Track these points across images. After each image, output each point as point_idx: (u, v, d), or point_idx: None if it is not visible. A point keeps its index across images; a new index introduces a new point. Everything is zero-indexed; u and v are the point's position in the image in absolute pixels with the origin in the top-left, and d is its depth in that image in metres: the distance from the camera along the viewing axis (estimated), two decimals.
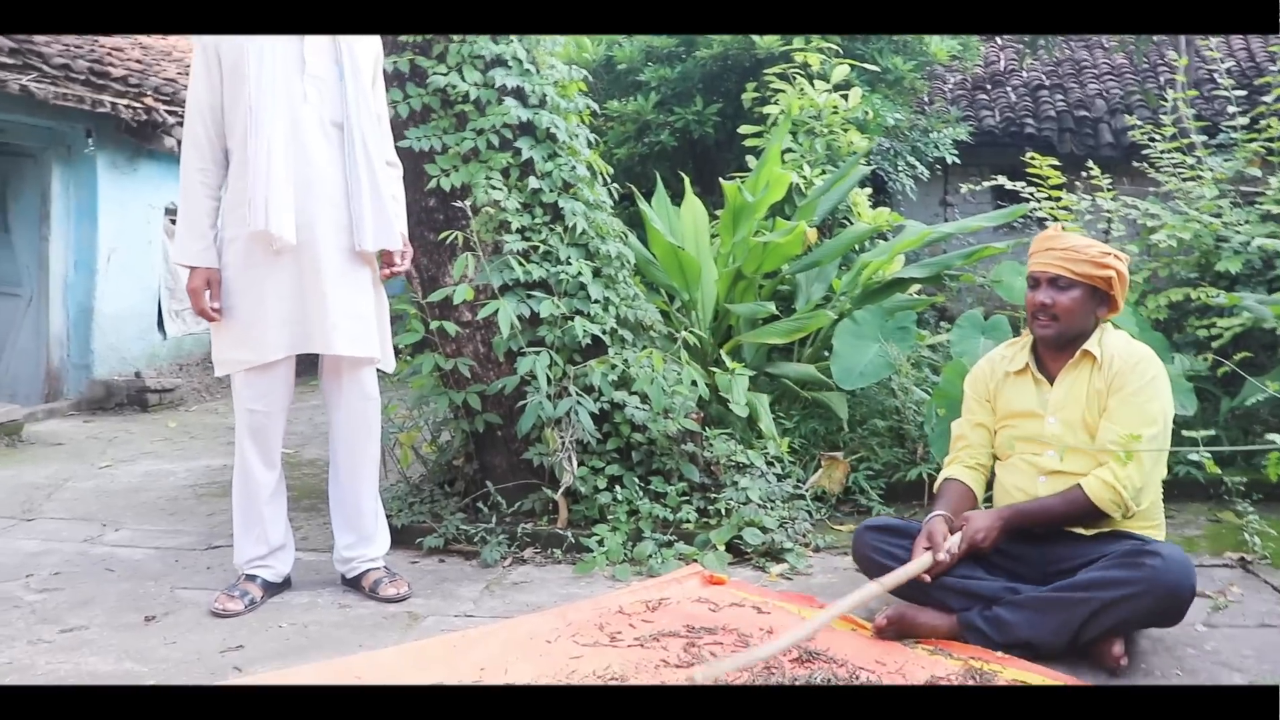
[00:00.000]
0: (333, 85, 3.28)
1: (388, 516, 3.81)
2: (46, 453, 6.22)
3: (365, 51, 3.39)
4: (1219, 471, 2.81)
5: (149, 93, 7.81)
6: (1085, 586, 2.71)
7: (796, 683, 2.54)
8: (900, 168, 7.75)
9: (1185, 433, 2.65)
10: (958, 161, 8.71)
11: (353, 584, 3.51)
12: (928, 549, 2.88)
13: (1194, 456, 3.53)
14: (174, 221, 8.76)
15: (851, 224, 5.69)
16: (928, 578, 2.85)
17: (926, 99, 10.27)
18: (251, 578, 3.40)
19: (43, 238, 7.86)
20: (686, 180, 5.41)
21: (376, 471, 3.55)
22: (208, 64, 3.24)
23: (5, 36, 6.69)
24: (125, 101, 7.51)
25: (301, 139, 3.22)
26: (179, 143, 7.73)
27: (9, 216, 7.96)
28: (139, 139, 7.89)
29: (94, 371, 7.99)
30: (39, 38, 7.22)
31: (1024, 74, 12.42)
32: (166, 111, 7.81)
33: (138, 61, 8.38)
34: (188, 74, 8.65)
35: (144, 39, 9.56)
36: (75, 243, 7.96)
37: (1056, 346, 3.02)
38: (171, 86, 8.09)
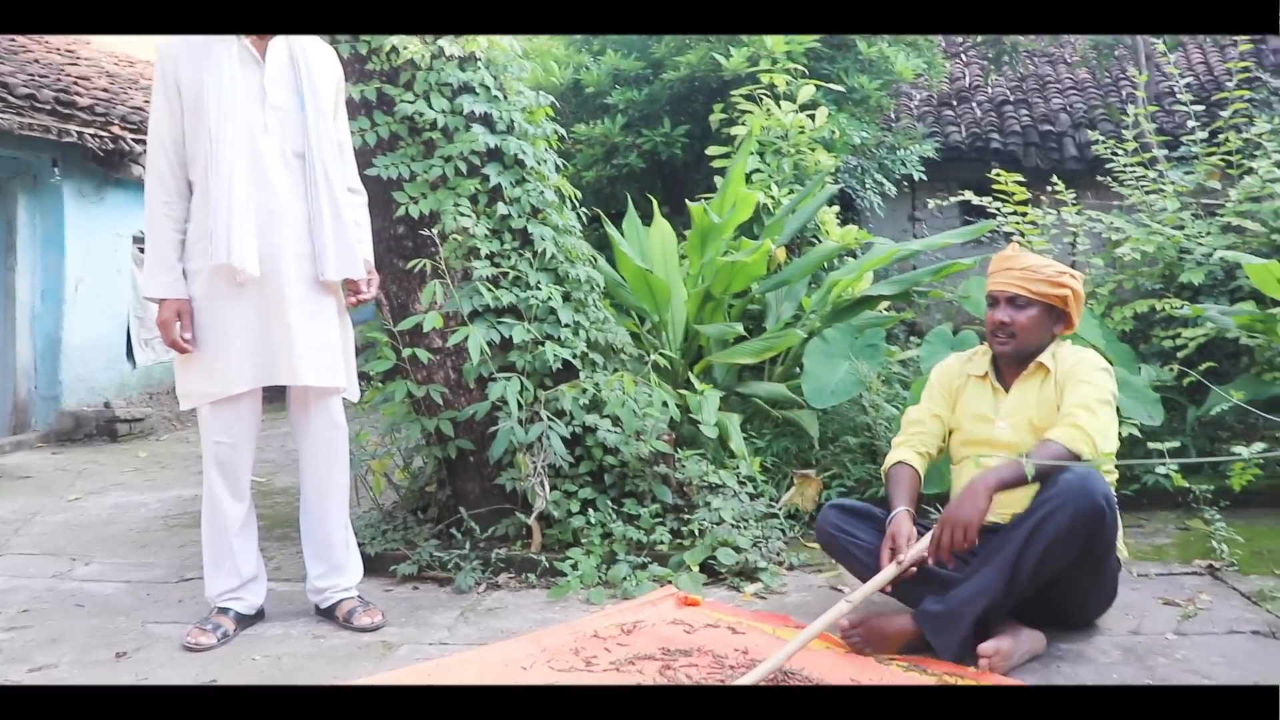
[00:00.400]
0: (293, 115, 3.28)
1: (361, 544, 3.80)
2: (14, 486, 6.16)
3: (326, 80, 3.39)
4: (1186, 484, 2.87)
5: (116, 121, 7.78)
6: (1012, 525, 2.86)
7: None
8: (868, 185, 7.82)
9: (1152, 444, 2.67)
10: (924, 178, 8.78)
11: (327, 614, 3.49)
12: (892, 550, 2.94)
13: (1161, 469, 3.57)
14: (142, 250, 8.75)
15: (820, 242, 5.73)
16: (908, 572, 2.92)
17: (893, 115, 10.36)
18: (224, 610, 3.37)
19: (8, 268, 7.80)
20: (655, 202, 5.43)
21: (346, 501, 3.54)
22: (168, 96, 3.23)
23: None
24: (92, 130, 7.48)
25: (263, 169, 3.22)
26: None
27: None
28: (106, 168, 7.86)
29: (62, 403, 7.92)
30: (4, 68, 7.19)
31: (989, 89, 12.56)
32: (134, 140, 7.78)
33: (104, 90, 8.35)
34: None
35: (110, 67, 9.52)
36: (42, 272, 7.90)
37: (1014, 361, 3.18)
38: (139, 115, 8.06)
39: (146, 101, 8.66)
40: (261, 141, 3.23)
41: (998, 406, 3.18)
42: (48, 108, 7.15)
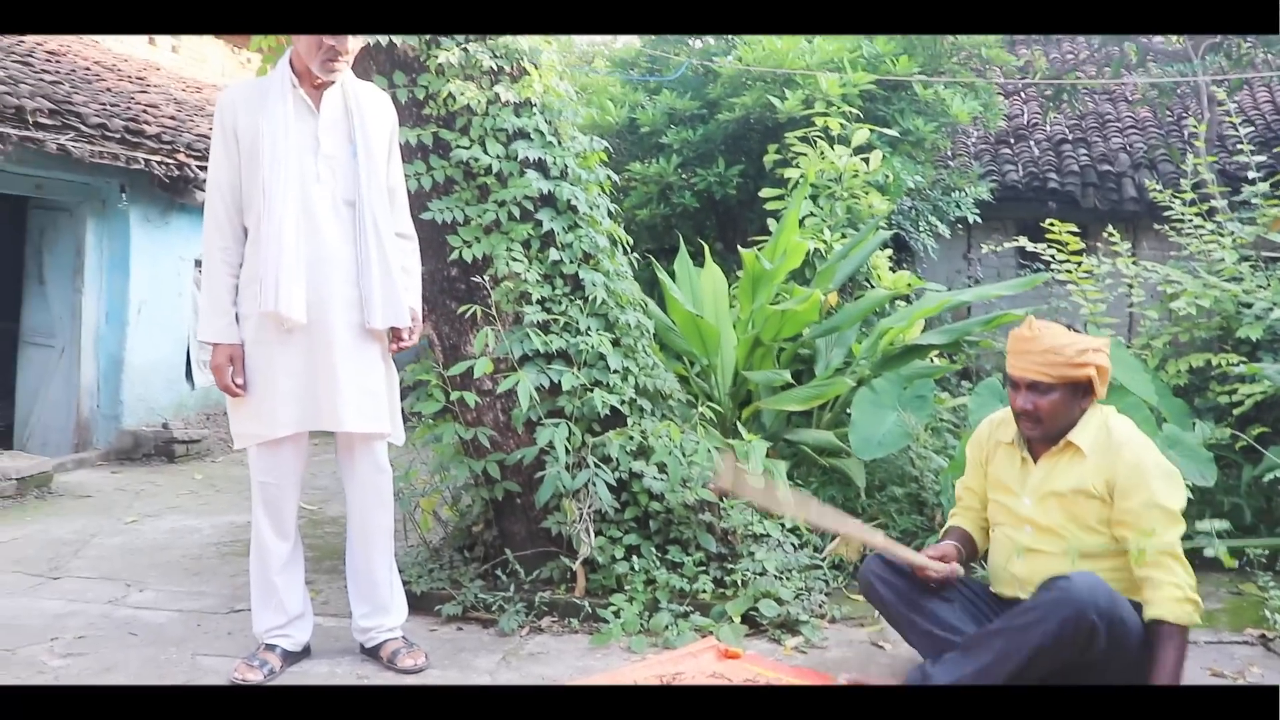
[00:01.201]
0: (345, 164, 3.35)
1: (407, 583, 3.86)
2: (74, 505, 6.30)
3: (379, 127, 3.45)
4: (1235, 563, 2.81)
5: (181, 149, 7.97)
6: (1005, 618, 2.84)
7: None
8: (921, 227, 7.80)
9: (1202, 519, 2.62)
10: (979, 220, 8.73)
11: (371, 653, 3.54)
12: (935, 559, 3.07)
13: (1212, 535, 3.52)
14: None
15: (872, 286, 5.72)
16: (923, 570, 3.05)
17: (949, 154, 10.32)
18: (270, 647, 3.44)
19: (76, 290, 8.00)
20: (706, 246, 5.47)
21: (390, 542, 3.59)
22: (226, 144, 3.32)
23: (45, 99, 6.86)
24: (159, 158, 7.67)
25: (314, 218, 3.30)
26: None
27: (44, 269, 8.11)
28: (171, 193, 8.04)
29: (123, 422, 8.09)
30: (78, 98, 7.40)
31: (1048, 128, 12.45)
32: (198, 167, 7.95)
33: (171, 118, 8.56)
34: None
35: (178, 94, 9.76)
36: (107, 294, 8.09)
37: (1044, 441, 3.05)
38: (203, 143, 8.24)
39: (211, 129, 8.87)
40: (313, 190, 3.31)
41: (1024, 479, 3.08)
42: (117, 136, 7.35)
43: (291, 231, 3.24)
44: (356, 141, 3.37)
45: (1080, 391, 2.96)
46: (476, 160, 4.04)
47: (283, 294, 3.21)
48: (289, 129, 3.29)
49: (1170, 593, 2.74)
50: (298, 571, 3.52)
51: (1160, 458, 2.92)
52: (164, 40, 11.46)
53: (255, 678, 3.30)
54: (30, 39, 8.60)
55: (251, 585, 3.50)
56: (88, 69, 8.78)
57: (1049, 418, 2.96)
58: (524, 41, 4.16)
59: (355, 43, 3.32)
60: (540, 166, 4.16)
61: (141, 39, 11.00)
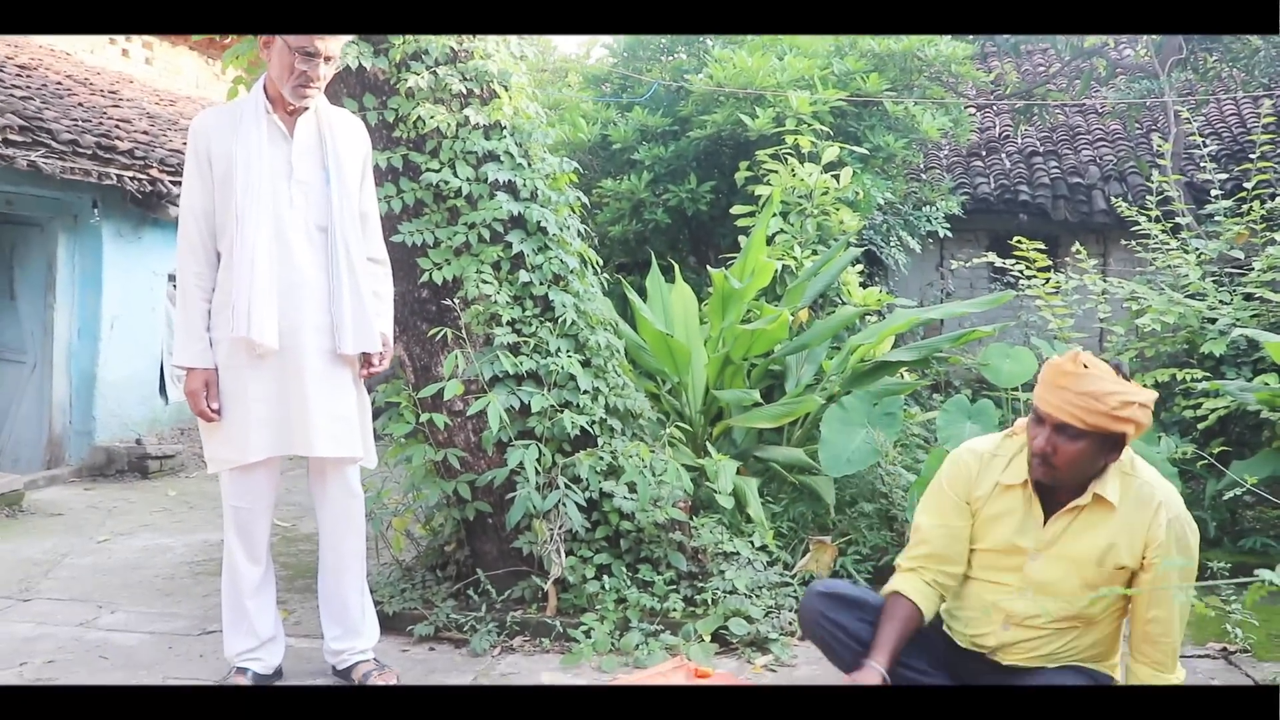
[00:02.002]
0: (319, 190, 3.36)
1: (379, 603, 3.88)
2: (46, 524, 6.27)
3: (352, 154, 3.47)
4: (1208, 611, 2.79)
5: (154, 164, 7.96)
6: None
7: None
8: (892, 242, 7.87)
9: None
10: (949, 235, 8.81)
11: (343, 675, 3.55)
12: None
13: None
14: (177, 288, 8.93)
15: (843, 303, 5.78)
16: None
17: (921, 167, 10.41)
18: (242, 670, 3.44)
19: (48, 305, 7.97)
20: (677, 266, 5.50)
21: (362, 566, 3.60)
22: (200, 168, 3.33)
23: (15, 115, 6.84)
24: (131, 173, 7.66)
25: (287, 244, 3.30)
26: None
27: (15, 284, 8.08)
28: (144, 208, 8.03)
29: (96, 438, 8.07)
30: (49, 114, 7.38)
31: (1019, 140, 12.57)
32: (171, 182, 7.95)
33: (144, 133, 8.54)
34: None
35: (151, 108, 9.74)
36: (80, 310, 8.07)
37: (1058, 489, 2.62)
38: (176, 158, 8.24)
39: (184, 144, 8.85)
40: (286, 216, 3.31)
41: (1035, 534, 2.61)
42: (89, 152, 7.33)
43: (264, 257, 3.25)
44: (329, 168, 3.38)
45: (1110, 445, 2.51)
46: (447, 183, 4.06)
47: (255, 320, 3.22)
48: (262, 154, 3.29)
49: (1169, 678, 2.55)
50: (269, 594, 3.52)
51: (1191, 525, 2.57)
52: (137, 52, 11.44)
53: None
54: (0, 53, 8.57)
55: (223, 608, 3.50)
56: (59, 83, 8.75)
57: (1066, 466, 2.52)
58: (493, 64, 4.19)
59: (328, 69, 3.34)
60: (510, 189, 4.19)
61: (115, 51, 10.97)
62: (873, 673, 2.57)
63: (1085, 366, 2.48)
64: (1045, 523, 2.61)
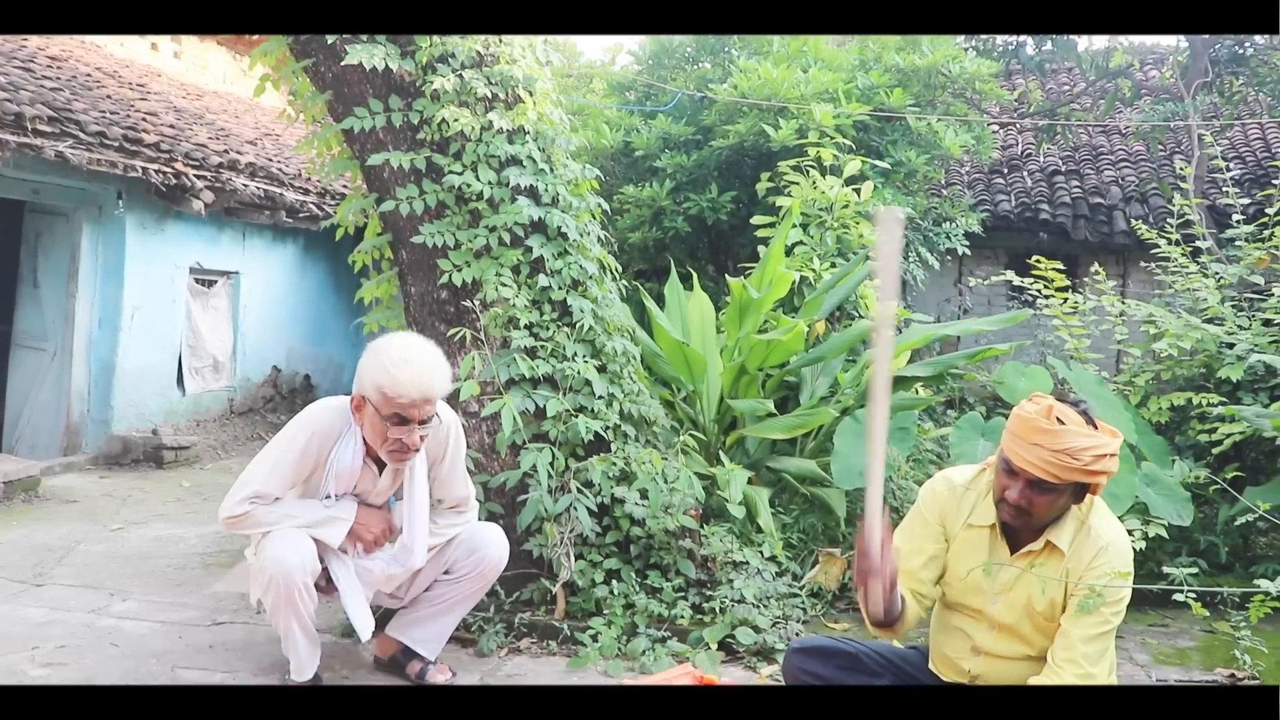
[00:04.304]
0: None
1: None
2: (61, 510, 6.32)
3: (425, 479, 3.43)
4: (1205, 613, 2.81)
5: (179, 158, 8.01)
6: None
7: None
8: (911, 258, 7.86)
9: (1174, 562, 2.57)
10: (969, 252, 8.80)
11: (391, 664, 3.58)
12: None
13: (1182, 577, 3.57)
14: (198, 280, 8.99)
15: (860, 317, 5.78)
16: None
17: (942, 183, 10.40)
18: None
19: (70, 294, 8.03)
20: (695, 275, 5.52)
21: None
22: (302, 460, 3.31)
23: (45, 105, 6.91)
24: (156, 166, 7.71)
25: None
26: (206, 205, 7.96)
27: (38, 273, 8.14)
28: (168, 201, 8.08)
29: (112, 427, 8.12)
30: (78, 105, 7.44)
31: (1041, 159, 12.54)
32: (195, 175, 8.01)
33: (170, 126, 8.61)
34: (218, 138, 8.79)
35: (178, 101, 9.81)
36: (101, 300, 8.13)
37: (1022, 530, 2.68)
38: (201, 151, 8.30)
39: (210, 138, 8.94)
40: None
41: (994, 577, 2.67)
42: (115, 144, 7.38)
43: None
44: (403, 494, 3.40)
45: (1080, 491, 2.59)
46: (469, 186, 4.09)
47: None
48: (349, 487, 3.34)
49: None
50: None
51: (1125, 553, 2.63)
52: (166, 46, 11.53)
53: None
54: (33, 44, 8.65)
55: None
56: (88, 75, 8.83)
57: (1041, 518, 2.59)
58: (519, 69, 4.22)
59: (428, 429, 3.26)
60: (532, 193, 4.21)
61: (144, 44, 11.06)
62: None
63: (1060, 421, 2.50)
64: (1006, 564, 2.66)
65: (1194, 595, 2.42)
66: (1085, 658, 2.54)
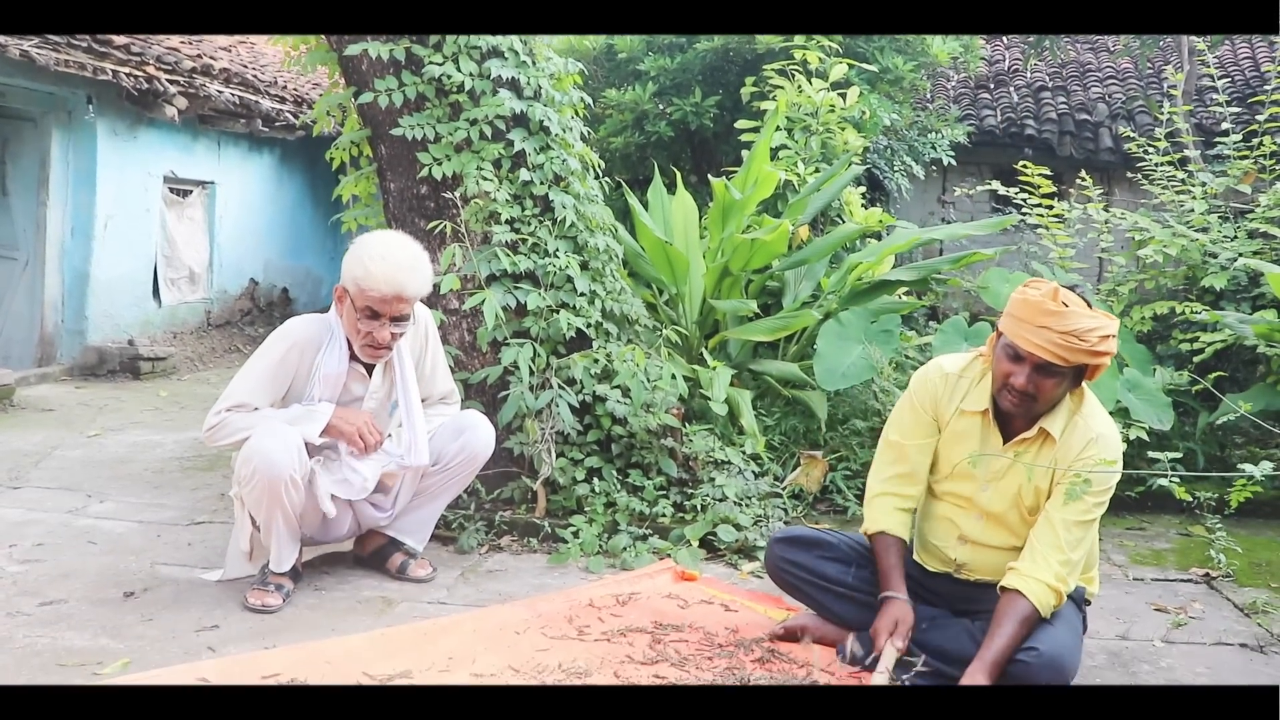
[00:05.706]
0: (385, 416, 3.43)
1: None
2: (37, 418, 6.26)
3: (412, 356, 3.43)
4: (1189, 496, 2.82)
5: (151, 61, 7.80)
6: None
7: (760, 681, 2.61)
8: (896, 167, 7.78)
9: (1158, 453, 2.57)
10: (954, 164, 8.73)
11: (371, 559, 3.59)
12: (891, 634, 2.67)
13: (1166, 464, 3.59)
14: (173, 191, 8.83)
15: (843, 222, 5.72)
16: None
17: (928, 96, 10.28)
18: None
19: (41, 202, 7.87)
20: (679, 174, 5.44)
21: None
22: (279, 371, 3.29)
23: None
24: (127, 70, 7.51)
25: None
26: (179, 112, 7.77)
27: (7, 180, 7.97)
28: (140, 107, 7.89)
29: (88, 337, 8.02)
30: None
31: (1027, 74, 12.42)
32: (168, 80, 7.81)
33: None
34: (190, 43, 8.53)
35: None
36: (73, 208, 7.97)
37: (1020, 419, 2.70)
38: (174, 56, 8.09)
39: (182, 42, 8.70)
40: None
41: (986, 465, 2.69)
42: (84, 44, 7.18)
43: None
44: (397, 398, 3.39)
45: (1081, 376, 2.61)
46: (449, 77, 3.99)
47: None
48: (336, 390, 3.31)
49: (1044, 574, 2.55)
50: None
51: (1112, 443, 2.66)
52: None
53: (276, 602, 3.20)
54: None
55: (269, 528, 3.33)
56: None
57: (1046, 402, 2.60)
58: None
59: (401, 327, 3.25)
60: (513, 86, 4.11)
61: None
62: (898, 602, 2.69)
63: (1065, 304, 2.51)
64: (1000, 451, 2.69)
65: (1177, 480, 2.40)
66: (1067, 544, 2.59)
